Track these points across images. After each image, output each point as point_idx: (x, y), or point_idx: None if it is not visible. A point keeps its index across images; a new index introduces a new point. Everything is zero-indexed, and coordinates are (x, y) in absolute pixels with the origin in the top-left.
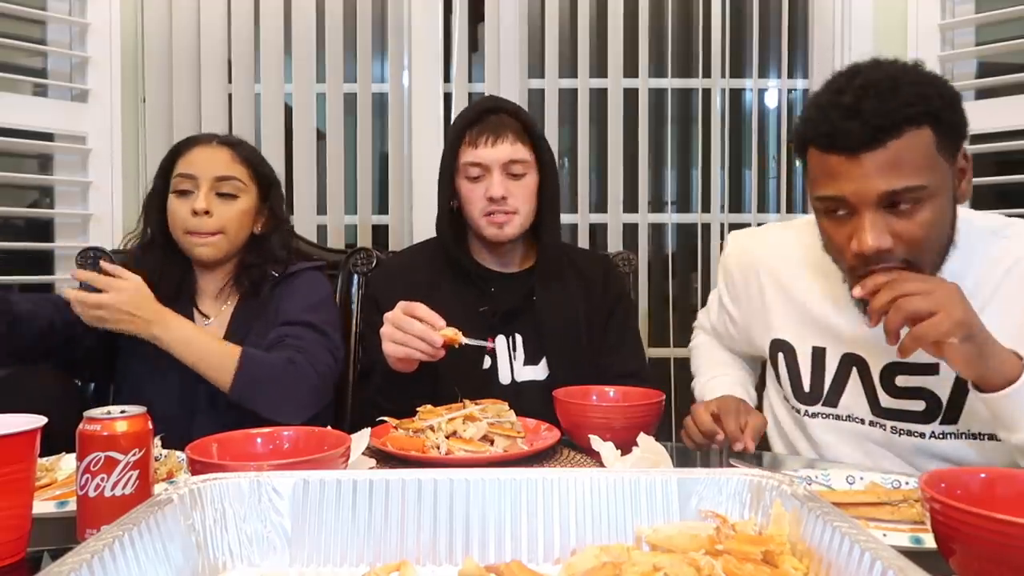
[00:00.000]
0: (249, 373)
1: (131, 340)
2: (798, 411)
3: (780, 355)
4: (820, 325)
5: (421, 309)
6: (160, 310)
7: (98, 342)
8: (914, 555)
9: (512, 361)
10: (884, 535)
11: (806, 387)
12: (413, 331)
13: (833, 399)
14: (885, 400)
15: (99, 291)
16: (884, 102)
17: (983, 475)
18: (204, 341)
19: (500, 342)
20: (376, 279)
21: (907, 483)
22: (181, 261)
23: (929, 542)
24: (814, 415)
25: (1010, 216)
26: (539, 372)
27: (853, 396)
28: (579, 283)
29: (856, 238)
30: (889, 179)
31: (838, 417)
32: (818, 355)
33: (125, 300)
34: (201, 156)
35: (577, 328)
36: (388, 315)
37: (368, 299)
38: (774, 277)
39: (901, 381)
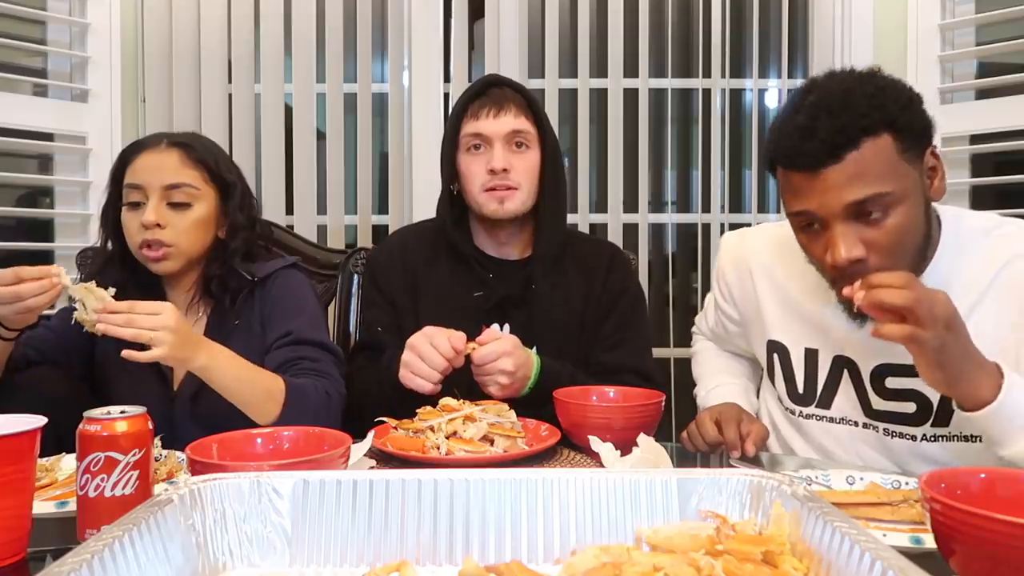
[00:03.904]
0: (294, 410)
1: (107, 351)
2: (792, 412)
3: (775, 356)
4: (812, 325)
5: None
6: (202, 338)
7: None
8: (914, 555)
9: None
10: (884, 535)
11: (800, 388)
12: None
13: (826, 401)
14: (877, 402)
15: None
16: (836, 118)
17: (983, 475)
18: (249, 373)
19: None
20: (375, 258)
21: (907, 483)
22: (146, 275)
23: (929, 542)
24: (808, 416)
25: (1010, 216)
26: None
27: (845, 398)
28: (580, 274)
29: (829, 251)
30: (852, 190)
31: (832, 419)
32: (811, 357)
33: (176, 323)
34: (148, 163)
35: (572, 319)
36: (413, 342)
37: (367, 277)
38: (768, 275)
39: (892, 383)
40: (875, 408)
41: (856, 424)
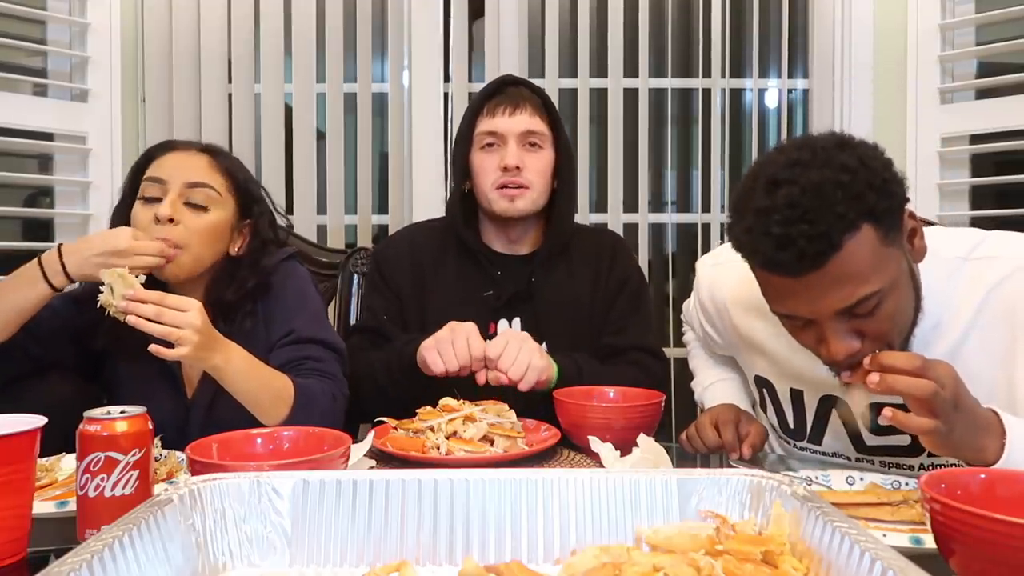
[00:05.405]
0: (302, 411)
1: (118, 349)
2: (787, 442)
3: (764, 390)
4: (794, 372)
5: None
6: (219, 336)
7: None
8: (914, 555)
9: None
10: (884, 535)
11: (790, 424)
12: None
13: (817, 438)
14: (870, 439)
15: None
16: (815, 224)
17: (983, 475)
18: (261, 372)
19: (503, 327)
20: (382, 252)
21: (907, 483)
22: (150, 278)
23: (929, 542)
24: (802, 449)
25: (1010, 215)
26: None
27: (835, 436)
28: (586, 265)
29: (823, 348)
30: (839, 297)
31: (824, 454)
32: (797, 396)
33: (202, 323)
34: (174, 160)
35: (580, 311)
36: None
37: (374, 268)
38: (745, 322)
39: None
40: (868, 444)
41: (849, 459)
